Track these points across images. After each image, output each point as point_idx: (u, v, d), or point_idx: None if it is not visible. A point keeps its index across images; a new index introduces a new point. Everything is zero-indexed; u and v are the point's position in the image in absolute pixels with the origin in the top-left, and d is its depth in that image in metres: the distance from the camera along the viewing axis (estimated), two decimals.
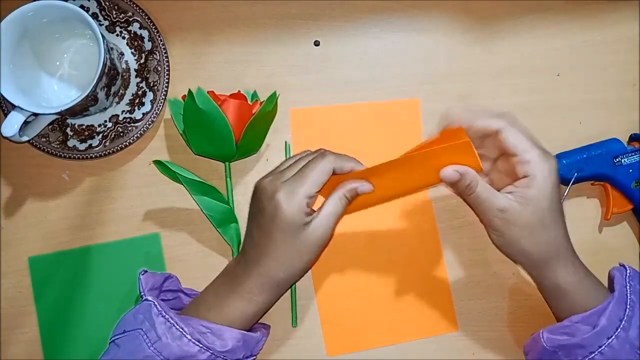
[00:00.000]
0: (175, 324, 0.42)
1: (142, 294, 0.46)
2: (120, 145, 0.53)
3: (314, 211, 0.45)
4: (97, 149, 0.53)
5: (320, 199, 0.47)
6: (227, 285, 0.46)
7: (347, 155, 0.47)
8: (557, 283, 0.46)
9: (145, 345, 0.42)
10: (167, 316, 0.43)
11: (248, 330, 0.46)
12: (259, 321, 0.50)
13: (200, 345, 0.42)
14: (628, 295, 0.44)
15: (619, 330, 0.42)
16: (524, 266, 0.48)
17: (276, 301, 0.47)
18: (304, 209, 0.43)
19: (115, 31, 0.54)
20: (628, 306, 0.43)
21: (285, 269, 0.44)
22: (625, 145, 0.54)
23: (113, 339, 0.44)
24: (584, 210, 0.56)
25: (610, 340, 0.42)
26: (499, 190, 0.45)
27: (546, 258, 0.46)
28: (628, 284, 0.45)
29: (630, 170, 0.53)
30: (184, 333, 0.42)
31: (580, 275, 0.46)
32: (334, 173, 0.46)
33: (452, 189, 0.46)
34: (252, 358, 0.46)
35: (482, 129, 0.45)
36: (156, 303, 0.43)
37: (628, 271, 0.46)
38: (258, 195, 0.45)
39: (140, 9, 0.54)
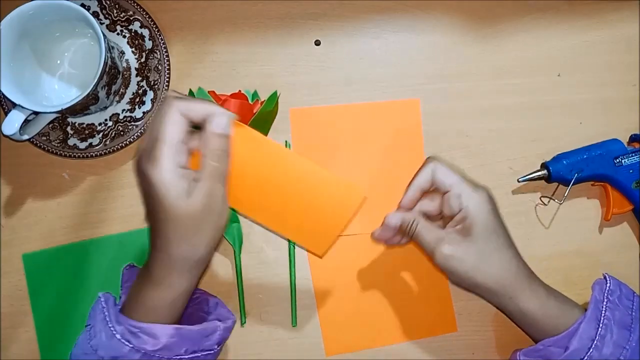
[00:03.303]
0: (108, 322, 0.41)
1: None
2: (120, 144, 0.53)
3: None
4: (97, 147, 0.53)
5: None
6: (140, 277, 0.43)
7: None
8: (521, 310, 0.45)
9: (86, 341, 0.41)
10: (106, 313, 0.42)
11: (197, 322, 0.44)
12: (219, 312, 0.48)
13: (131, 345, 0.40)
14: (603, 312, 0.43)
15: (591, 350, 0.42)
16: (485, 297, 0.47)
17: (193, 282, 0.43)
18: (177, 171, 0.39)
19: (116, 30, 0.54)
20: (601, 324, 0.43)
21: (178, 243, 0.40)
22: (626, 146, 0.54)
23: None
24: (584, 211, 0.56)
25: None
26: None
27: (501, 286, 0.45)
28: (606, 299, 0.44)
29: (631, 171, 0.53)
30: (115, 332, 0.41)
31: (543, 299, 0.45)
32: (193, 126, 0.40)
33: (397, 234, 0.47)
34: (208, 352, 0.44)
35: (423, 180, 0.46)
36: (103, 298, 0.42)
37: (608, 284, 0.45)
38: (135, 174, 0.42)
39: (141, 8, 0.54)
